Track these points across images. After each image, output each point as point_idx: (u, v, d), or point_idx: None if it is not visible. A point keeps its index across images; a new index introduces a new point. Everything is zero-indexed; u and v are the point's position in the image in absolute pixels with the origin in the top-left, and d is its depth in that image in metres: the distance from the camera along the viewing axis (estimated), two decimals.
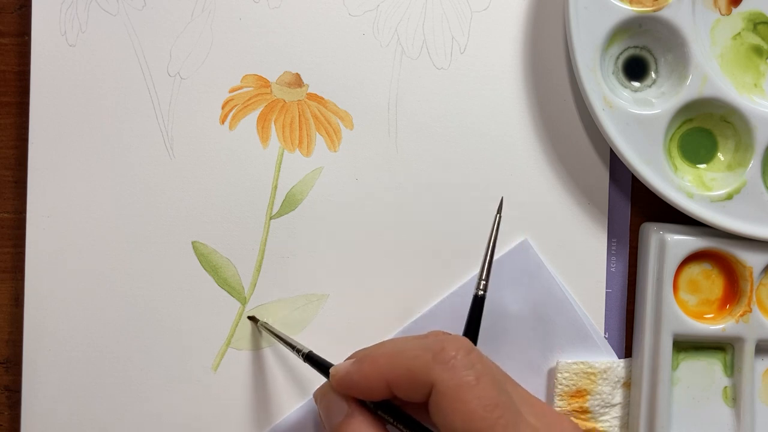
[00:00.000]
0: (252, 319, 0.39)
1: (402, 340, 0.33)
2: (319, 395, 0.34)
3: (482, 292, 0.34)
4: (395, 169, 0.40)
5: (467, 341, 0.31)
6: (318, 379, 0.39)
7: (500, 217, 0.35)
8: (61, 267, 0.38)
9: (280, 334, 0.37)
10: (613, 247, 0.41)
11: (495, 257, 0.39)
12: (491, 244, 0.35)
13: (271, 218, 0.39)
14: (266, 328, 0.38)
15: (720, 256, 0.40)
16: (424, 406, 0.31)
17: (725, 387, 0.40)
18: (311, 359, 0.34)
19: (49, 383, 0.38)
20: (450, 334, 0.32)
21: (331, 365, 0.33)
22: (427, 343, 0.31)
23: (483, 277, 0.34)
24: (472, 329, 0.34)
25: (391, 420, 0.32)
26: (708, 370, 0.40)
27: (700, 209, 0.38)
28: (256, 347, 0.39)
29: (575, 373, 0.39)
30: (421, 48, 0.40)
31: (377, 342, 0.35)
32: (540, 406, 0.32)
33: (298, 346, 0.35)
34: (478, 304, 0.34)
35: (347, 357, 0.33)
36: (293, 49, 0.39)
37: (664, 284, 0.39)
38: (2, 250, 0.39)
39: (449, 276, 0.40)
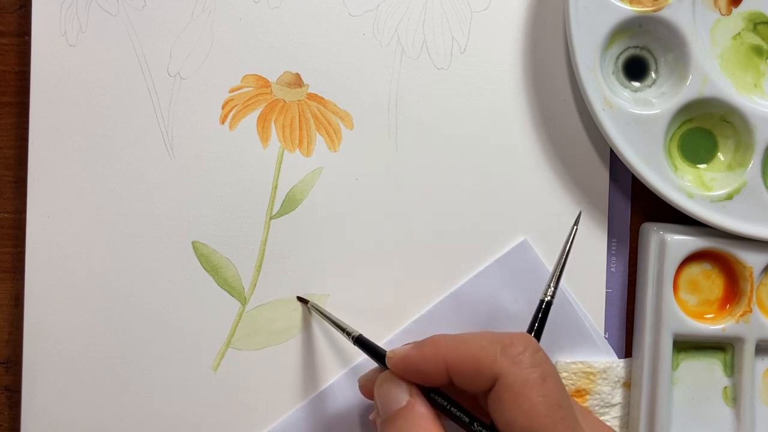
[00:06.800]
0: (301, 300, 0.39)
1: (460, 334, 0.33)
2: (378, 381, 0.33)
3: (550, 298, 0.34)
4: (395, 169, 0.40)
5: (534, 340, 0.31)
6: (319, 379, 0.39)
7: (576, 229, 0.35)
8: (61, 267, 0.38)
9: (330, 316, 0.37)
10: (613, 247, 0.41)
11: (495, 257, 0.40)
12: (565, 254, 0.35)
13: (271, 218, 0.39)
14: (316, 309, 0.38)
15: (720, 256, 0.40)
16: (473, 397, 0.31)
17: (725, 387, 0.40)
18: (361, 342, 0.35)
19: (49, 383, 0.38)
20: (517, 332, 0.32)
21: (382, 350, 0.33)
22: (494, 336, 0.31)
23: (552, 284, 0.34)
24: (537, 332, 0.34)
25: (447, 405, 0.32)
26: (708, 370, 0.40)
27: (700, 209, 0.38)
28: (256, 347, 0.39)
29: (574, 373, 0.39)
30: (421, 48, 0.40)
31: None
32: (589, 415, 0.33)
33: (348, 329, 0.35)
34: (545, 309, 0.34)
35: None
36: (293, 49, 0.39)
37: (664, 284, 0.39)
38: (2, 250, 0.39)
39: (449, 276, 0.40)
